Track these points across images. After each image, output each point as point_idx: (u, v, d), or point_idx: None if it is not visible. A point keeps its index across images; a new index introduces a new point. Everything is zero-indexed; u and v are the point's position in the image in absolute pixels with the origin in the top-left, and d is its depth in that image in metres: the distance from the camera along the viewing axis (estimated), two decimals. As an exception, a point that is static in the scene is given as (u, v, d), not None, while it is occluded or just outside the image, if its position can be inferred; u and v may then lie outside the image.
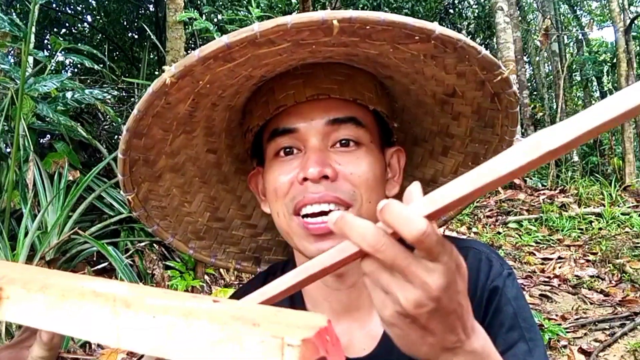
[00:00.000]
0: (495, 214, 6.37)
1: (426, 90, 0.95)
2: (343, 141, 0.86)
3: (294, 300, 0.98)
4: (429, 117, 1.02)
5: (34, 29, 3.94)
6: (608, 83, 15.37)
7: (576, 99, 16.52)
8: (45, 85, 3.71)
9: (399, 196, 1.01)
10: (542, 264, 4.93)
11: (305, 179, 0.82)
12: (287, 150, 0.87)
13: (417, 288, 0.52)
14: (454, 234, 5.31)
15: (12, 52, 5.60)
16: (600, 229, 5.62)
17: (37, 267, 0.55)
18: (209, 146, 1.00)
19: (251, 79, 0.86)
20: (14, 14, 6.38)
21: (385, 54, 0.83)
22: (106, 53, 5.76)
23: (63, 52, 4.33)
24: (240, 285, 0.90)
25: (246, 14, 5.25)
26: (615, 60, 10.43)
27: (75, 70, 7.58)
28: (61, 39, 5.96)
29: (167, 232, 1.04)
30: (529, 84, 14.06)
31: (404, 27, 0.71)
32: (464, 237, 5.59)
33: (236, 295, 1.05)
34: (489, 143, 1.00)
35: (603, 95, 15.96)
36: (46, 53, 4.01)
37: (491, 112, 0.95)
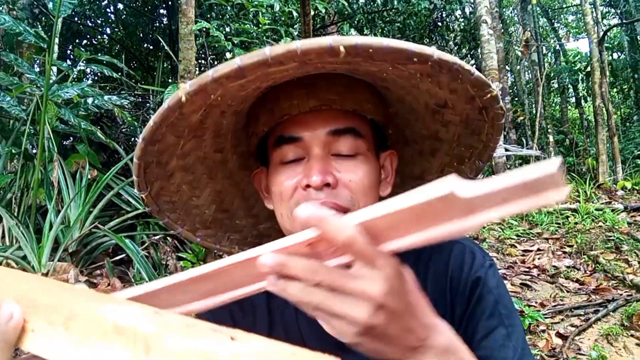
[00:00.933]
0: (480, 210, 6.36)
1: (419, 101, 0.95)
2: (343, 150, 0.86)
3: None
4: (420, 122, 1.02)
5: (57, 41, 3.94)
6: (583, 90, 15.39)
7: (554, 105, 16.53)
8: (67, 92, 3.70)
9: (390, 196, 1.00)
10: (522, 255, 4.93)
11: (308, 186, 0.82)
12: (292, 156, 0.87)
13: (363, 301, 0.52)
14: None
15: (37, 62, 5.58)
16: (576, 223, 5.62)
17: (64, 285, 0.53)
18: (216, 146, 0.99)
19: (258, 89, 0.86)
20: (39, 26, 6.36)
21: (385, 71, 0.82)
22: (124, 62, 5.74)
23: (84, 62, 4.32)
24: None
25: (251, 26, 5.24)
26: (589, 69, 10.44)
27: (95, 78, 7.56)
28: (82, 49, 5.95)
29: (177, 224, 1.04)
30: (511, 91, 14.05)
31: (405, 52, 0.70)
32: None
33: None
34: (474, 148, 1.00)
35: (578, 101, 15.97)
36: (69, 63, 4.01)
37: (478, 122, 0.94)
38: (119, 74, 5.05)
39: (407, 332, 0.56)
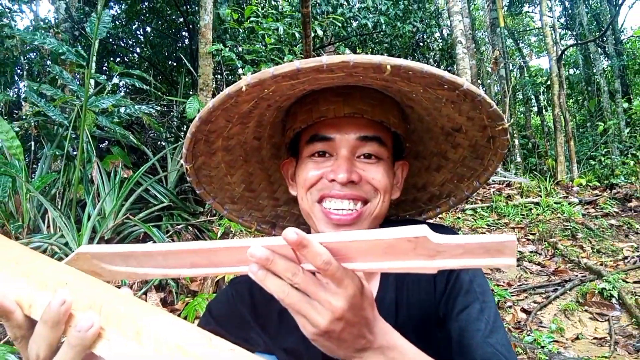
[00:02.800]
0: (456, 203, 6.34)
1: (437, 123, 0.94)
2: (367, 154, 0.85)
3: None
4: (433, 141, 1.00)
5: (94, 59, 3.91)
6: (544, 101, 15.38)
7: (519, 113, 16.50)
8: (104, 102, 3.68)
9: (397, 200, 0.98)
10: (492, 242, 4.93)
11: (333, 180, 0.83)
12: (321, 153, 0.87)
13: (326, 310, 0.54)
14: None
15: (77, 76, 5.56)
16: (538, 214, 5.62)
17: (118, 292, 0.52)
18: (255, 134, 0.98)
19: (303, 91, 0.85)
20: (79, 46, 6.33)
21: (415, 92, 0.81)
22: (151, 77, 5.72)
23: (118, 76, 4.30)
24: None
25: (260, 46, 5.21)
26: (549, 83, 10.41)
27: (127, 90, 7.54)
28: (116, 65, 5.92)
29: (210, 196, 1.03)
30: (482, 102, 13.93)
31: (440, 79, 0.70)
32: (431, 220, 5.57)
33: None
34: (475, 170, 0.99)
35: (539, 110, 15.96)
36: (104, 77, 3.97)
37: (484, 149, 0.93)
38: (148, 86, 5.03)
39: (358, 337, 0.58)
